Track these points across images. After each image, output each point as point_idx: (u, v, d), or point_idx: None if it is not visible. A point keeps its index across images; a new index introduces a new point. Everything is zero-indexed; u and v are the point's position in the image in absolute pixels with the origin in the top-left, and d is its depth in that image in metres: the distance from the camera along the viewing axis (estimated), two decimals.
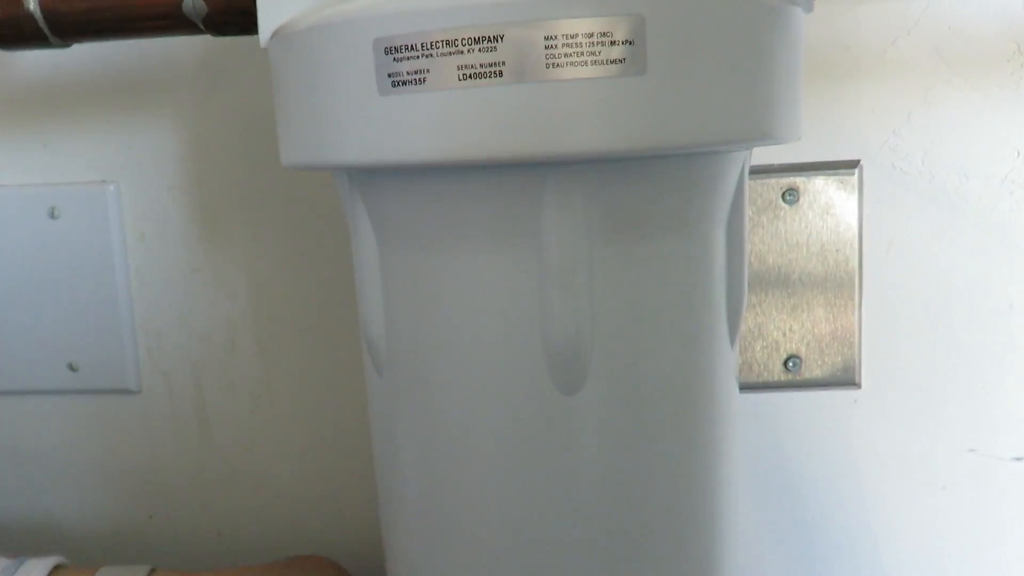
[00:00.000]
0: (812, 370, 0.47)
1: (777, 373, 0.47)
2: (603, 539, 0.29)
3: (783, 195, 0.45)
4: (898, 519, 0.49)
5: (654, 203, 0.28)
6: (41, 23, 0.35)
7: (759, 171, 0.45)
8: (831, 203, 0.45)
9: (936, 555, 0.49)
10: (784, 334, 0.47)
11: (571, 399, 0.28)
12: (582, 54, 0.23)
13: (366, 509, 0.52)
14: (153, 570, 0.39)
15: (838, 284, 0.46)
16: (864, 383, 0.47)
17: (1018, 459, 0.47)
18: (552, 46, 0.23)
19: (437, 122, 0.24)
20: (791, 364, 0.47)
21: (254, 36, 0.31)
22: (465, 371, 0.29)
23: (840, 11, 0.44)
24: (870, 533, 0.49)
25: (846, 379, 0.47)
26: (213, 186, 0.50)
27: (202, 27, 0.34)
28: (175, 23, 0.34)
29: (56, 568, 0.38)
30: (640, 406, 0.29)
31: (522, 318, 0.28)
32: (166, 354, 0.52)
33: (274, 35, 0.29)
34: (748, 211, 0.32)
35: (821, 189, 0.45)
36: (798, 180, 0.45)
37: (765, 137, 0.27)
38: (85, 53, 0.48)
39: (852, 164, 0.45)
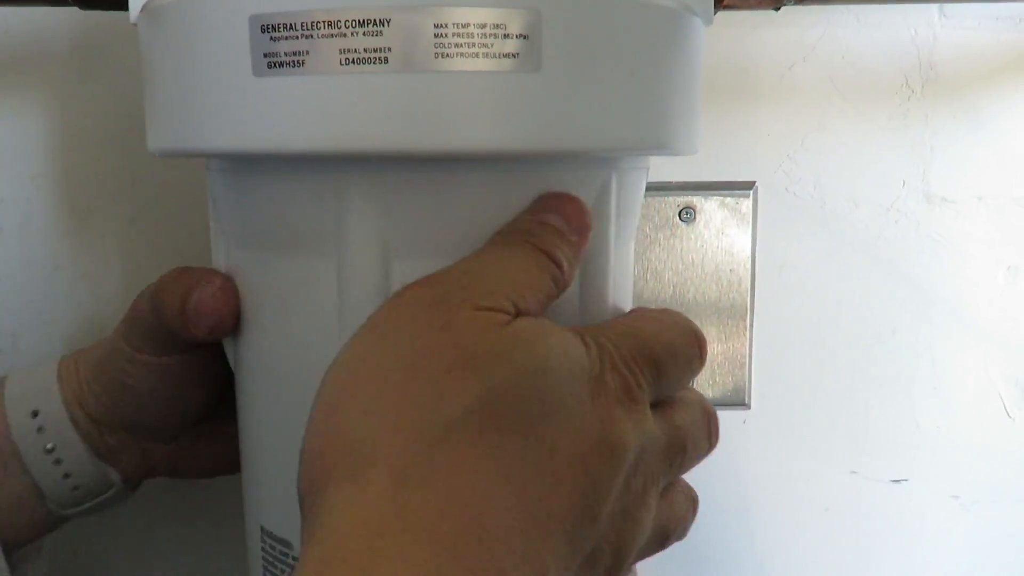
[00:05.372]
0: (704, 390, 0.47)
1: None
2: None
3: (680, 213, 0.45)
4: (783, 539, 0.49)
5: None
6: None
7: (657, 188, 0.45)
8: (726, 223, 0.46)
9: (819, 575, 0.49)
10: None
11: None
12: (474, 45, 0.22)
13: None
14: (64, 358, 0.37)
15: (731, 305, 0.46)
16: (753, 404, 0.48)
17: (896, 481, 0.48)
18: (442, 35, 0.22)
19: (315, 109, 0.22)
20: None
21: (127, 12, 0.28)
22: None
23: (740, 34, 0.44)
24: (754, 554, 0.49)
25: (736, 400, 0.47)
26: (83, 177, 0.46)
27: None
28: None
29: None
30: None
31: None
32: (22, 357, 0.48)
33: (143, 8, 0.26)
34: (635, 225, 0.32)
35: (717, 209, 0.45)
36: (695, 199, 0.45)
37: (661, 147, 0.26)
38: None
39: (748, 185, 0.46)
